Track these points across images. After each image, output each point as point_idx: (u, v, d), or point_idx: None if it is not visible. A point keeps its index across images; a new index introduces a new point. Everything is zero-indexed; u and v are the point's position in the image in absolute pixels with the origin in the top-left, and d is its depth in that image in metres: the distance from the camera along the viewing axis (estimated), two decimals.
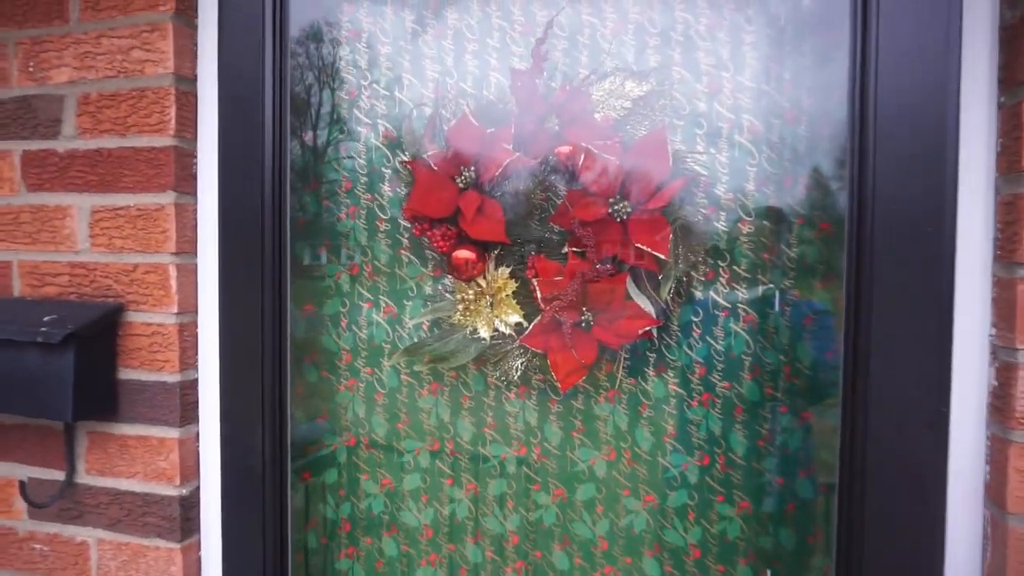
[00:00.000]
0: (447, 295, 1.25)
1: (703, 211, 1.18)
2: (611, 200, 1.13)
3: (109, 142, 1.23)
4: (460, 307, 1.21)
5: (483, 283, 1.21)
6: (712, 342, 1.20)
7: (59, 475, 1.29)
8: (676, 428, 1.23)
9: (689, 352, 1.21)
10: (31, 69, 1.27)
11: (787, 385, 1.19)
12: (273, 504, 1.26)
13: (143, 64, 1.21)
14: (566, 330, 1.15)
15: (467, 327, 1.22)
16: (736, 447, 1.21)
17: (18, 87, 1.28)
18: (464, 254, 1.19)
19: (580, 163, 1.12)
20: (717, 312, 1.20)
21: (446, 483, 1.32)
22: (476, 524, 1.32)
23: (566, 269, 1.15)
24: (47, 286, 1.29)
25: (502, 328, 1.20)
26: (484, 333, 1.21)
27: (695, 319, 1.21)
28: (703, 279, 1.20)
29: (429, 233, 1.22)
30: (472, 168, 1.18)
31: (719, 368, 1.20)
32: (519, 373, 1.22)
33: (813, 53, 1.14)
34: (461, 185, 1.18)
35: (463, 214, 1.17)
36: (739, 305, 1.19)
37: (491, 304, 1.20)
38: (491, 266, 1.20)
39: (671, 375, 1.22)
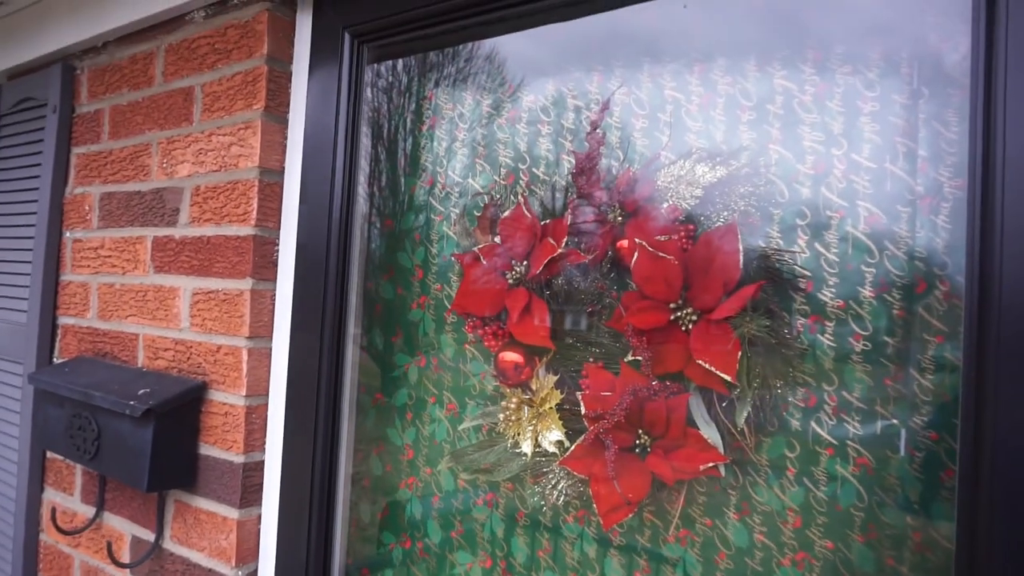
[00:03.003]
0: (502, 400, 1.14)
1: (802, 321, 0.94)
2: (672, 306, 0.95)
3: (209, 230, 1.33)
4: (502, 416, 1.09)
5: (532, 390, 1.07)
6: (811, 487, 0.94)
7: (152, 537, 1.38)
8: None
9: (781, 496, 0.96)
10: (164, 165, 1.43)
11: (916, 559, 0.88)
12: None
13: (238, 158, 1.29)
14: (609, 456, 0.97)
15: (508, 439, 1.09)
16: None
17: (156, 180, 1.45)
18: (511, 357, 1.07)
19: (633, 261, 0.96)
20: (819, 449, 0.94)
21: None
22: None
23: (617, 382, 0.98)
24: (159, 359, 1.41)
25: (544, 444, 1.05)
26: (526, 448, 1.07)
27: (790, 455, 0.96)
28: (802, 405, 0.95)
29: (480, 331, 1.12)
30: (524, 263, 1.07)
31: (820, 522, 0.94)
32: (561, 499, 1.06)
33: (961, 119, 0.88)
34: (511, 281, 1.08)
35: (509, 313, 1.06)
36: (849, 443, 0.92)
37: (537, 415, 1.06)
38: (540, 372, 1.06)
39: (757, 521, 0.97)
